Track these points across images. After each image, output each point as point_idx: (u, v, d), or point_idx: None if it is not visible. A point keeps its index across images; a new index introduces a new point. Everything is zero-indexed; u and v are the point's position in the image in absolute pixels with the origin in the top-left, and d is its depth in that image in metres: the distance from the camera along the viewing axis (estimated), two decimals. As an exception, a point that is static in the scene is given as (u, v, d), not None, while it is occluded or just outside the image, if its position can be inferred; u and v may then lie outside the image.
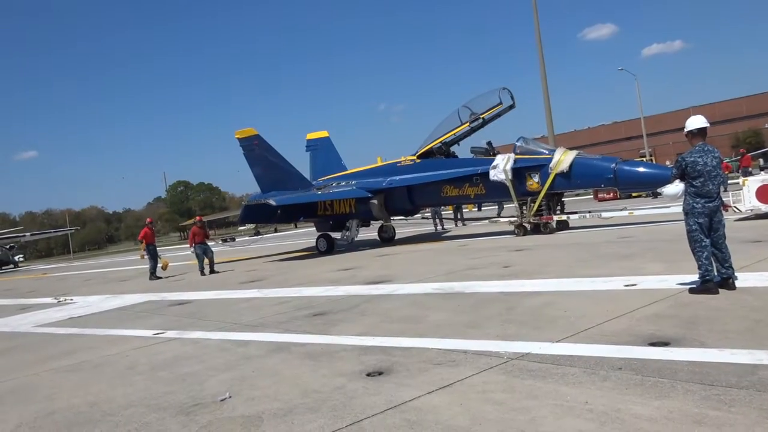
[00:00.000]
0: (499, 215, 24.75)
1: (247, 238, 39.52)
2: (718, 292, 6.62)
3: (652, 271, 8.67)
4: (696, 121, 7.02)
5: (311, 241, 24.73)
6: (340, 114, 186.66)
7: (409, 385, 4.82)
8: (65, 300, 16.13)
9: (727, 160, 35.04)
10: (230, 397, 5.12)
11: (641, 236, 13.57)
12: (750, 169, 34.67)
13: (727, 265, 6.80)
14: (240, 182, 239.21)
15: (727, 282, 6.78)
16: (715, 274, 6.80)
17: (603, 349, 5.08)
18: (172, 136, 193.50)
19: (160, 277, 19.38)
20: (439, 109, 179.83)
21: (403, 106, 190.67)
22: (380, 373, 5.24)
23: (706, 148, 6.88)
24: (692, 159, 6.84)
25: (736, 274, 6.88)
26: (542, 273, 9.85)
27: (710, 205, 6.80)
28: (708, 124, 7.03)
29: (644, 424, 3.53)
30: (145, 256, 19.91)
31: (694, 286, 6.88)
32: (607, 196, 32.31)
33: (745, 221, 14.09)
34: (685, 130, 7.07)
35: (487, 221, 22.26)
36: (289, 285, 12.93)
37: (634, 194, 30.00)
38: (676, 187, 7.17)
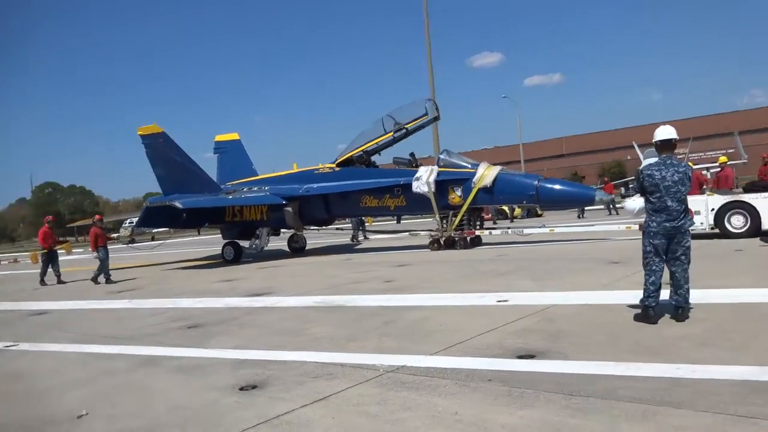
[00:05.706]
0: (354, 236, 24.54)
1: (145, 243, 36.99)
2: (656, 322, 6.06)
3: (523, 287, 9.15)
4: (661, 132, 6.34)
5: (208, 250, 23.68)
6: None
7: (284, 398, 4.70)
8: None
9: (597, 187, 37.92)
10: (87, 413, 4.73)
11: (516, 255, 14.29)
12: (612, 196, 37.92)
13: (681, 291, 6.15)
14: (117, 187, 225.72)
15: (677, 311, 6.17)
16: (653, 303, 6.13)
17: (475, 362, 5.25)
18: (41, 135, 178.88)
19: (65, 282, 17.29)
20: (302, 122, 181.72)
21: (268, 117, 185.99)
22: (254, 387, 5.08)
23: (668, 162, 6.18)
24: (649, 172, 6.19)
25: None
26: (423, 288, 10.08)
27: (668, 225, 6.09)
28: (675, 136, 6.31)
29: (508, 433, 3.67)
30: (40, 259, 18.13)
31: (638, 311, 6.34)
32: (486, 216, 33.80)
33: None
34: (653, 140, 6.46)
35: (407, 233, 21.87)
36: (166, 295, 12.29)
37: (507, 211, 31.92)
38: (634, 202, 6.69)
